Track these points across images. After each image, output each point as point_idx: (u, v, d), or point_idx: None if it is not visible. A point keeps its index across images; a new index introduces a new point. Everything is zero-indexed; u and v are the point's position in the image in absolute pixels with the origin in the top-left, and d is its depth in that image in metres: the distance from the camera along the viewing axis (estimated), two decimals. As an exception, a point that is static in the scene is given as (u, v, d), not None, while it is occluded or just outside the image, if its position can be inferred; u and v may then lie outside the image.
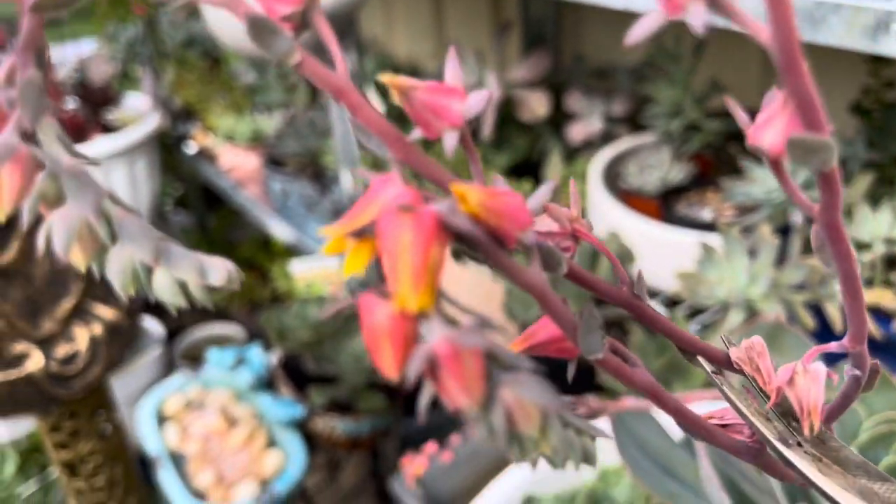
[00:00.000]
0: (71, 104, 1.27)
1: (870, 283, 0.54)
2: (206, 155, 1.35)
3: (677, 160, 0.77)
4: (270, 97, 1.27)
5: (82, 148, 1.05)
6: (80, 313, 0.58)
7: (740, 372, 0.21)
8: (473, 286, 0.85)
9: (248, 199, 1.26)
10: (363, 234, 0.16)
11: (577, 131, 0.87)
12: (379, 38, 1.36)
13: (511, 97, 0.89)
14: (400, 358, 0.15)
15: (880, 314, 0.54)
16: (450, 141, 0.18)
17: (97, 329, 0.58)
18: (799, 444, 0.20)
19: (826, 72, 0.78)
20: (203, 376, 1.07)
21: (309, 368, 1.04)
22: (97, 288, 0.59)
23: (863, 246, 0.55)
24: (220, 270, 0.18)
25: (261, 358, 1.08)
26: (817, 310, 0.56)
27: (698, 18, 0.16)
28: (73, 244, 0.17)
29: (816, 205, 0.17)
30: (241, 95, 1.32)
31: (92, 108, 1.28)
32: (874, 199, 0.58)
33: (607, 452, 0.52)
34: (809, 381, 0.20)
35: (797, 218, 0.58)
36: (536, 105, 0.88)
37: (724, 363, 0.21)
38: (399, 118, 0.98)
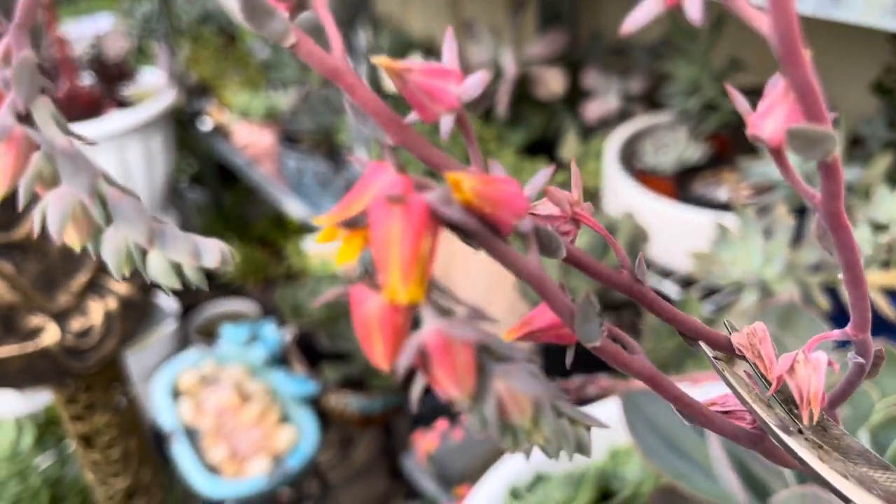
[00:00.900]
0: (87, 79, 1.27)
1: (886, 264, 0.54)
2: (220, 131, 1.35)
3: (694, 139, 0.77)
4: (285, 74, 1.26)
5: (97, 123, 1.05)
6: (94, 287, 0.58)
7: (743, 357, 0.21)
8: (486, 267, 0.85)
9: (262, 176, 1.26)
10: (355, 224, 0.16)
11: (594, 109, 0.86)
12: (394, 15, 1.35)
13: (527, 74, 0.88)
14: (391, 349, 0.15)
15: (894, 297, 0.53)
16: (445, 124, 0.17)
17: (111, 303, 0.58)
18: (800, 432, 0.20)
19: (847, 50, 0.76)
20: (217, 352, 1.08)
21: (322, 345, 1.05)
22: (111, 262, 0.59)
23: (880, 227, 0.54)
24: (213, 252, 0.18)
25: (275, 334, 1.09)
26: (833, 291, 0.55)
27: (695, 9, 0.15)
28: (68, 225, 0.17)
29: (817, 193, 0.17)
30: (255, 72, 1.32)
31: (107, 84, 1.28)
32: (893, 179, 0.58)
33: (617, 432, 0.52)
34: (810, 369, 0.20)
35: (814, 198, 0.57)
36: (553, 82, 0.87)
37: (727, 349, 0.21)
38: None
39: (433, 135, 0.92)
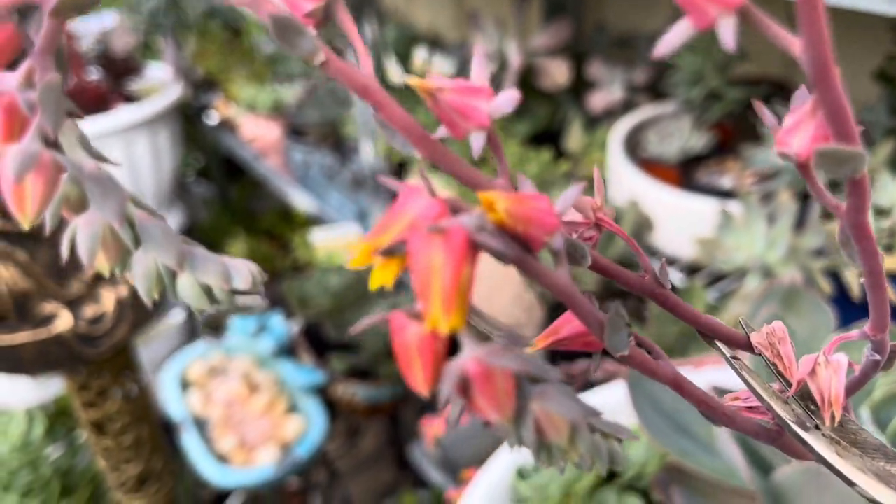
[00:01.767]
0: (93, 75, 1.28)
1: (889, 248, 0.54)
2: (227, 125, 1.36)
3: (698, 129, 0.77)
4: (291, 67, 1.27)
5: (104, 118, 1.05)
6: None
7: (759, 355, 0.22)
8: (507, 269, 0.85)
9: (269, 170, 1.27)
10: (392, 252, 0.16)
11: (598, 100, 0.87)
12: (400, 8, 1.36)
13: (532, 65, 0.89)
14: (430, 375, 0.16)
15: (899, 280, 0.53)
16: (477, 142, 0.18)
17: (123, 291, 0.59)
18: (817, 427, 0.21)
19: (850, 38, 0.77)
20: (225, 344, 1.09)
21: (329, 336, 1.06)
22: (123, 250, 0.60)
23: (882, 212, 0.54)
24: (244, 273, 0.18)
25: (282, 325, 1.10)
26: (835, 276, 0.56)
27: (729, 33, 0.16)
28: (98, 250, 0.17)
29: (843, 204, 0.18)
30: (261, 66, 1.33)
31: (114, 79, 1.29)
32: (895, 165, 0.58)
33: (622, 415, 0.52)
34: (831, 372, 0.21)
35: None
36: (557, 73, 0.87)
37: (743, 347, 0.21)
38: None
39: (454, 145, 0.93)
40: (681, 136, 0.77)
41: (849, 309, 0.56)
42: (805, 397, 0.21)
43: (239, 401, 1.02)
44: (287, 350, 1.08)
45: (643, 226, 0.73)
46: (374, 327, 1.02)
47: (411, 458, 0.95)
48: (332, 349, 1.04)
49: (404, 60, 1.08)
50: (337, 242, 1.11)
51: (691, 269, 0.71)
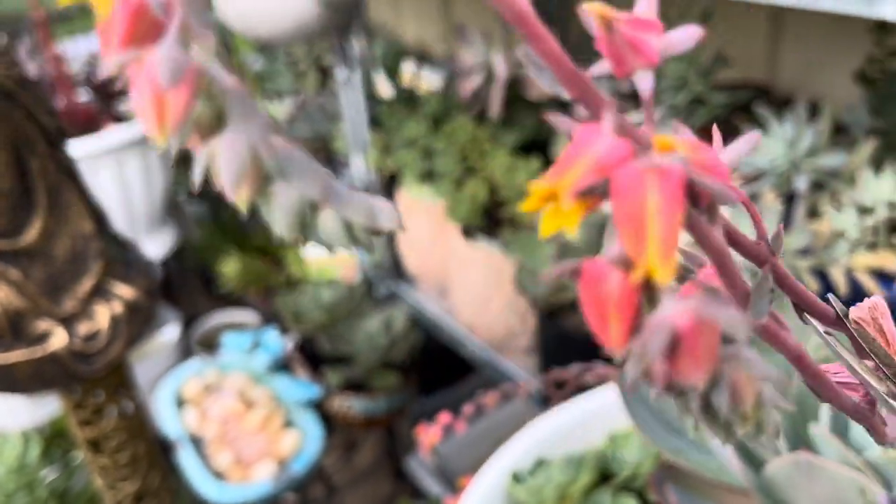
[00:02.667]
0: (84, 96, 1.28)
1: (873, 246, 0.55)
2: (217, 143, 1.37)
3: (683, 134, 0.78)
4: (280, 84, 1.28)
5: (95, 139, 1.06)
6: (100, 292, 0.59)
7: (851, 332, 0.21)
8: (483, 262, 0.86)
9: (260, 186, 1.27)
10: (589, 192, 0.14)
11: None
12: (388, 22, 1.37)
13: (519, 76, 0.90)
14: (628, 330, 0.14)
15: (885, 277, 0.54)
16: (644, 81, 0.16)
17: (117, 307, 0.60)
18: None
19: (831, 40, 0.78)
20: (220, 361, 1.09)
21: (324, 349, 1.06)
22: (117, 266, 0.60)
23: (866, 210, 0.55)
24: (390, 213, 0.16)
25: (277, 341, 1.10)
26: (821, 274, 0.56)
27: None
28: (243, 176, 0.14)
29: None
30: (251, 83, 1.34)
31: (104, 100, 1.30)
32: (877, 164, 0.59)
33: (615, 418, 0.53)
34: None
35: (801, 185, 0.58)
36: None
37: (833, 323, 0.21)
38: (409, 100, 0.99)
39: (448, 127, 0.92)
40: (667, 141, 0.78)
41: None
42: None
43: (234, 417, 1.02)
44: (282, 365, 1.08)
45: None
46: (367, 341, 1.02)
47: (408, 469, 0.95)
48: (326, 363, 1.04)
49: (393, 74, 1.09)
50: (329, 257, 1.11)
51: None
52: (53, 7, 1.45)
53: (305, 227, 0.16)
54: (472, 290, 0.90)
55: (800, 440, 0.37)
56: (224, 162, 0.14)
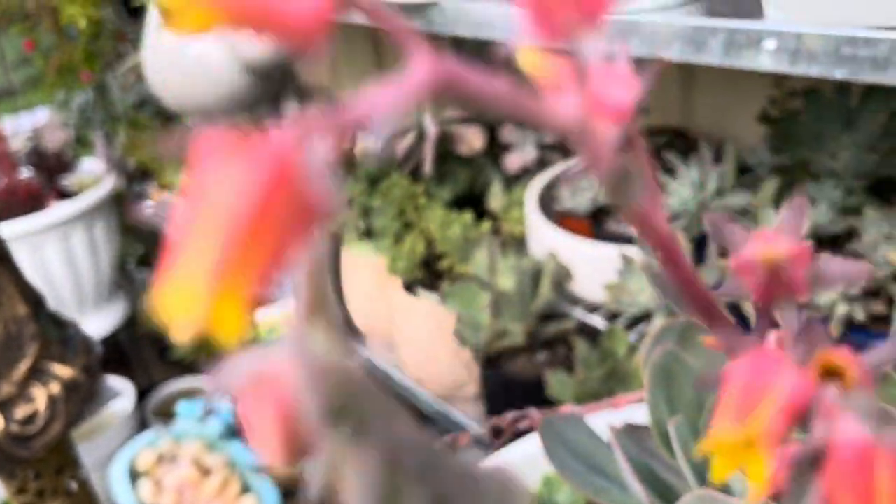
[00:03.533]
0: (27, 173, 1.29)
1: (780, 279, 0.58)
2: (164, 211, 1.38)
3: (607, 180, 0.81)
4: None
5: (40, 215, 1.06)
6: (37, 374, 0.60)
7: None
8: (427, 314, 0.88)
9: (208, 252, 1.28)
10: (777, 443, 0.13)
11: (514, 161, 0.91)
12: (324, 84, 1.40)
13: (448, 133, 0.93)
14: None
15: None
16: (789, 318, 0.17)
17: (55, 388, 0.60)
18: None
19: (737, 84, 0.83)
20: (174, 430, 1.08)
21: (277, 412, 1.06)
22: (54, 347, 0.61)
23: (770, 245, 0.58)
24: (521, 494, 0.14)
25: (229, 406, 1.10)
26: (735, 307, 0.59)
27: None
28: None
29: None
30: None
31: (48, 176, 1.30)
32: (781, 200, 0.63)
33: (539, 465, 0.54)
34: None
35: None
36: (473, 139, 0.92)
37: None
38: (347, 161, 1.01)
39: (382, 186, 0.94)
40: (591, 188, 0.81)
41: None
42: None
43: (191, 486, 1.01)
44: (236, 431, 1.08)
45: (563, 276, 0.76)
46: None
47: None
48: (280, 425, 1.04)
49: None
50: (277, 317, 1.12)
51: (613, 315, 0.75)
52: (-6, 86, 1.46)
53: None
54: (418, 343, 0.91)
55: (705, 471, 0.39)
56: (354, 489, 0.12)
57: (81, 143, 1.47)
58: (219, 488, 1.00)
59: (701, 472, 0.41)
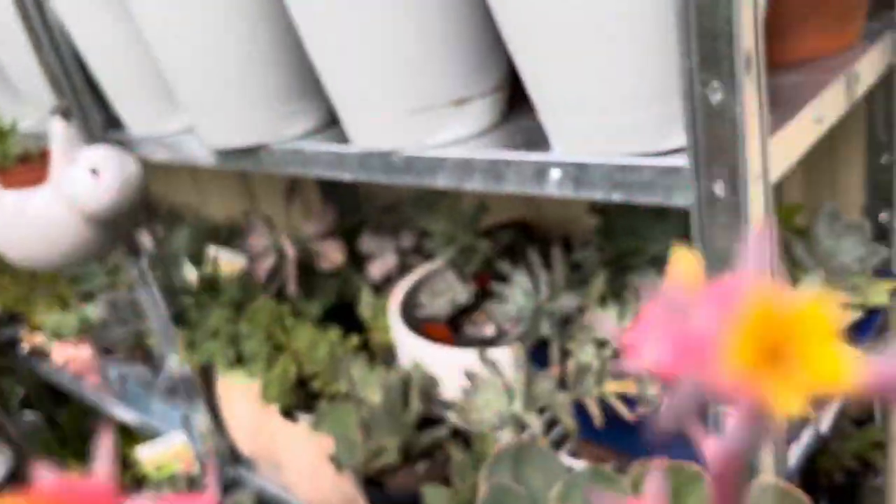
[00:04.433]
0: None
1: (619, 374, 0.61)
2: (38, 353, 1.33)
3: (462, 282, 0.84)
4: (94, 284, 1.27)
5: None
6: None
7: None
8: (307, 436, 0.87)
9: (89, 390, 1.25)
10: None
11: (376, 269, 0.93)
12: (192, 204, 1.40)
13: (309, 250, 0.95)
14: None
15: (628, 400, 0.60)
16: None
17: None
18: None
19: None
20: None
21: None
22: None
23: (602, 343, 0.62)
24: None
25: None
26: (579, 406, 0.62)
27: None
28: None
29: None
30: (65, 286, 1.32)
31: None
32: (610, 294, 0.66)
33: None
34: None
35: (545, 329, 0.64)
36: (333, 254, 0.93)
37: None
38: (212, 287, 1.01)
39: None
40: (450, 291, 0.83)
41: (595, 434, 0.62)
42: None
43: None
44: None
45: (429, 385, 0.77)
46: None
47: None
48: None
49: (198, 260, 1.12)
50: (165, 453, 1.09)
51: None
52: None
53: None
54: (302, 465, 0.91)
55: None
56: None
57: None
58: None
59: None
